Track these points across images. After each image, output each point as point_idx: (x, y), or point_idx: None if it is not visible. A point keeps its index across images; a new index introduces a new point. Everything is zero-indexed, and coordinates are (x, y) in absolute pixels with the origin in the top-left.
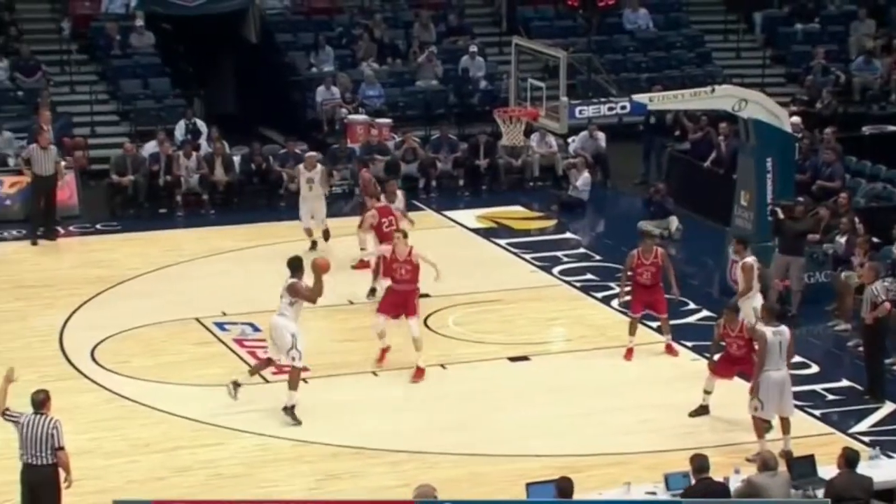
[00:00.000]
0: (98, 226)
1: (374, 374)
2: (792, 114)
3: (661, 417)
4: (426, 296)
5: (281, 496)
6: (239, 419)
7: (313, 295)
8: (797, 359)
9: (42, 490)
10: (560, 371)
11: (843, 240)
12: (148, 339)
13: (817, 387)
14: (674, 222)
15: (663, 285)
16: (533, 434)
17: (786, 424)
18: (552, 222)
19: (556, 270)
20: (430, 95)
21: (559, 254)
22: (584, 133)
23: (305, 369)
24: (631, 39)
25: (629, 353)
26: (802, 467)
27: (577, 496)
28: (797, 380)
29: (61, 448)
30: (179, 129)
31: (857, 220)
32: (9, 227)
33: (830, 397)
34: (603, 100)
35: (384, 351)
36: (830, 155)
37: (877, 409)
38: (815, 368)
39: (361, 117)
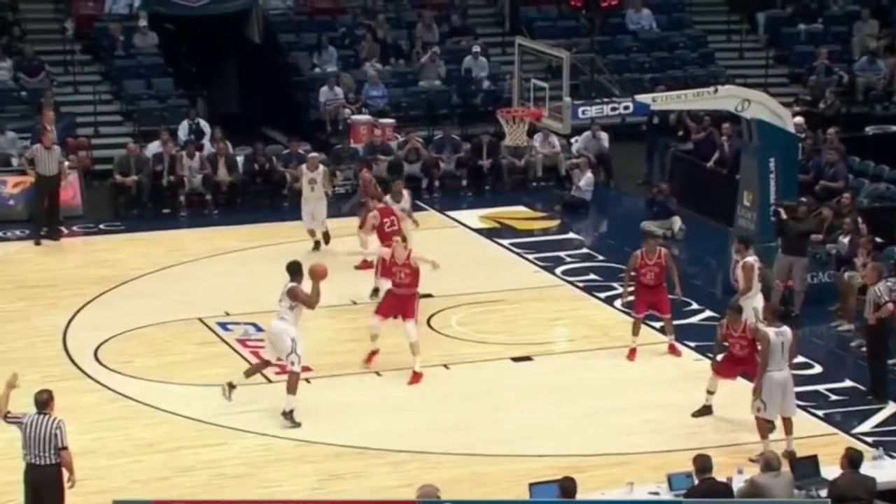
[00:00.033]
0: (101, 226)
1: (378, 374)
2: (795, 114)
3: (664, 418)
4: (429, 296)
5: (284, 496)
6: (242, 419)
7: (311, 301)
8: (800, 359)
9: (45, 490)
10: (563, 371)
11: (846, 240)
12: (151, 339)
13: (820, 387)
14: (677, 222)
15: (667, 286)
16: (536, 434)
17: (788, 425)
18: (555, 222)
19: (559, 270)
20: (434, 96)
21: (562, 254)
22: (587, 133)
23: (308, 369)
24: (634, 40)
25: (632, 354)
26: (805, 468)
27: (580, 496)
28: (800, 380)
29: (65, 448)
30: (183, 130)
31: (860, 220)
32: (12, 227)
33: (833, 398)
34: (606, 100)
35: (373, 353)
36: (833, 155)
37: (880, 409)
38: (818, 369)
39: (364, 117)
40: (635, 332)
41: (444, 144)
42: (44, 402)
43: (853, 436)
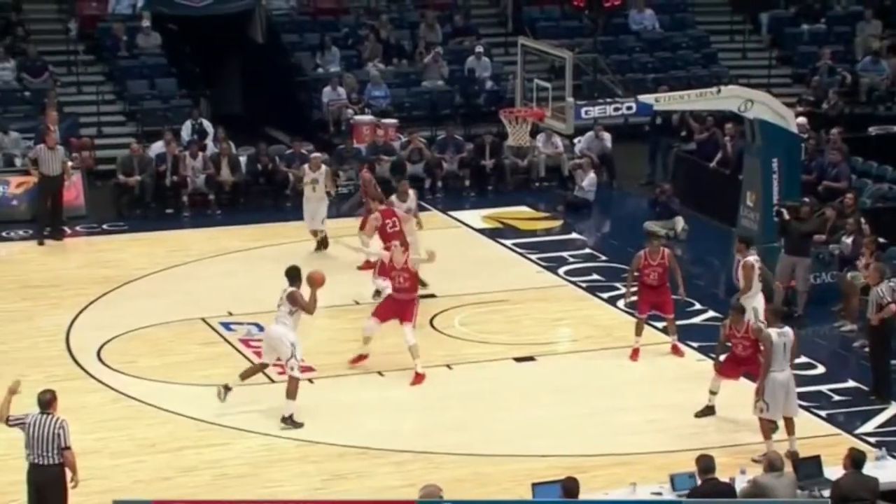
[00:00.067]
0: (104, 226)
1: (380, 374)
2: (798, 114)
3: (667, 418)
4: (432, 296)
5: (286, 496)
6: (244, 419)
7: (310, 307)
8: (803, 359)
9: (48, 490)
10: (566, 371)
11: (849, 240)
12: (154, 339)
13: (823, 387)
14: (679, 223)
15: (670, 286)
16: (538, 434)
17: (790, 425)
18: (558, 223)
19: (561, 271)
20: (436, 96)
21: (565, 254)
22: (589, 133)
23: (311, 369)
24: (637, 40)
25: (635, 354)
26: (808, 468)
27: (582, 496)
28: (803, 380)
29: (68, 448)
30: (186, 130)
31: (863, 220)
32: (15, 227)
33: (836, 398)
34: (609, 100)
35: (361, 357)
36: (836, 155)
37: (883, 409)
38: (821, 369)
39: (367, 118)
40: (638, 332)
41: (447, 144)
42: (47, 401)
43: (856, 436)
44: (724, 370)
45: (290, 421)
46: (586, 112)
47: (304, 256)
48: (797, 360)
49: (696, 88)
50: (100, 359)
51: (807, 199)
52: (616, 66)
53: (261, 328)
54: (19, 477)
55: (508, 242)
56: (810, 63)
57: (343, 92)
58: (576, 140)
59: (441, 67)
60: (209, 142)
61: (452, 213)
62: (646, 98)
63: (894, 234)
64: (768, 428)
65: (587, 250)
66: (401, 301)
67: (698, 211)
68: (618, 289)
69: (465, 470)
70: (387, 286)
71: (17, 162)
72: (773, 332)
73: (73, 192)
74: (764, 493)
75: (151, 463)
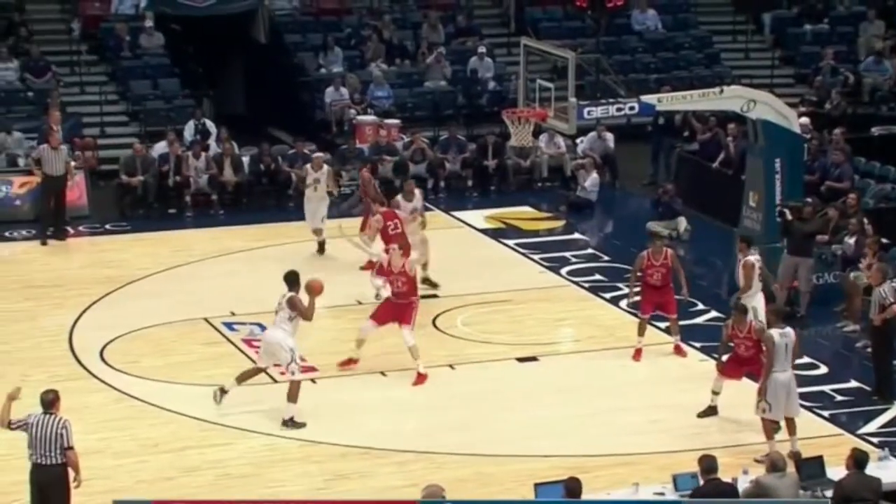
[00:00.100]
0: (107, 226)
1: (383, 374)
2: (801, 115)
3: (670, 418)
4: (434, 296)
5: (289, 496)
6: (247, 419)
7: (308, 314)
8: (806, 360)
9: (51, 490)
10: (568, 371)
11: (851, 241)
12: (157, 339)
13: (826, 388)
14: (682, 223)
15: (673, 286)
16: (541, 434)
17: (792, 425)
18: (560, 223)
19: (564, 271)
20: (439, 96)
21: (567, 254)
22: (592, 134)
23: (314, 369)
24: (639, 40)
25: (638, 354)
26: (811, 468)
27: (585, 496)
28: (806, 381)
29: (70, 448)
30: (189, 130)
31: (865, 220)
32: (18, 227)
33: (839, 398)
34: (611, 100)
35: (351, 361)
36: (839, 156)
37: (885, 409)
38: (823, 369)
39: (370, 118)
40: (641, 332)
41: (450, 145)
42: (50, 401)
43: (859, 436)
44: (726, 370)
45: (291, 423)
46: (589, 112)
47: (306, 257)
48: (799, 361)
49: (699, 89)
50: (102, 359)
51: (809, 200)
52: (619, 66)
53: (263, 328)
54: (22, 477)
55: (511, 242)
56: (813, 63)
57: (346, 92)
58: (578, 140)
59: (444, 68)
60: (212, 142)
61: (455, 214)
62: (648, 98)
63: None
64: (771, 428)
65: (589, 250)
66: (399, 304)
67: (701, 211)
68: (620, 289)
69: (468, 470)
70: (382, 285)
71: (21, 162)
72: (775, 332)
73: (76, 192)
74: (766, 494)
75: (154, 463)
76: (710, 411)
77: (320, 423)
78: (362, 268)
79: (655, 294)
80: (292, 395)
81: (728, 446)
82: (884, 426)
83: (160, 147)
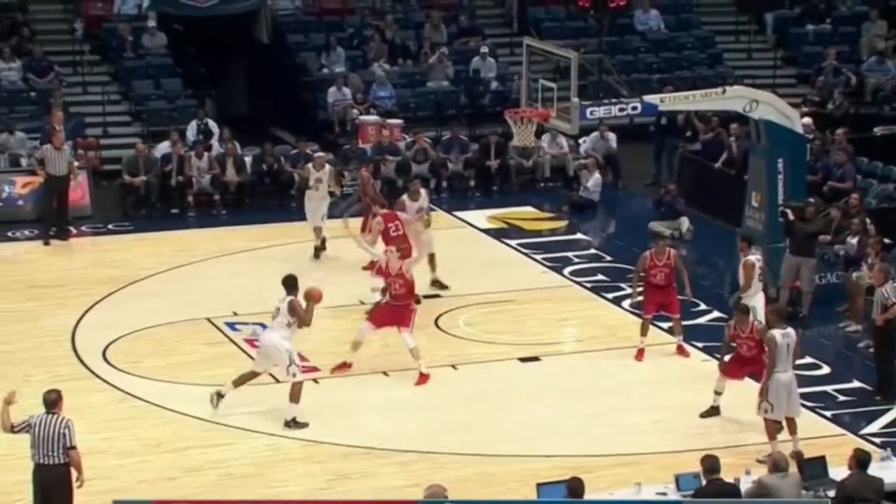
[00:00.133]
0: (110, 226)
1: (385, 374)
2: (803, 115)
3: (672, 418)
4: (437, 296)
5: (291, 496)
6: (250, 419)
7: (306, 320)
8: (808, 360)
9: (54, 490)
10: (571, 371)
11: (854, 241)
12: (160, 339)
13: (828, 388)
14: (684, 223)
15: (676, 286)
16: (543, 434)
17: (792, 425)
18: (563, 223)
19: (566, 271)
20: (441, 96)
21: (570, 254)
22: (595, 134)
23: (316, 369)
24: (642, 40)
25: (640, 354)
26: (813, 468)
27: (587, 496)
28: (808, 381)
29: (73, 447)
30: (191, 130)
31: (868, 220)
32: (21, 227)
33: (841, 398)
34: (614, 100)
35: (345, 364)
36: (842, 156)
37: (888, 410)
38: (826, 369)
39: (372, 118)
40: (643, 332)
41: (452, 145)
42: (52, 401)
43: (861, 437)
44: (728, 370)
45: (293, 423)
46: (591, 112)
47: (308, 258)
48: (802, 361)
49: (702, 89)
50: (105, 359)
51: (812, 200)
52: (621, 66)
53: (266, 328)
54: (24, 477)
55: (513, 243)
56: (815, 63)
57: (348, 92)
58: (581, 140)
59: (446, 68)
60: (214, 142)
61: (457, 214)
62: (651, 98)
63: None
64: (773, 428)
65: (592, 250)
66: (397, 307)
67: (703, 211)
68: (623, 289)
69: (470, 470)
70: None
71: (23, 162)
72: (777, 333)
73: (79, 192)
74: (769, 494)
75: (156, 463)
76: (713, 411)
77: (322, 423)
78: (365, 268)
79: (658, 294)
80: (294, 396)
81: (730, 446)
82: (886, 426)
83: (163, 147)
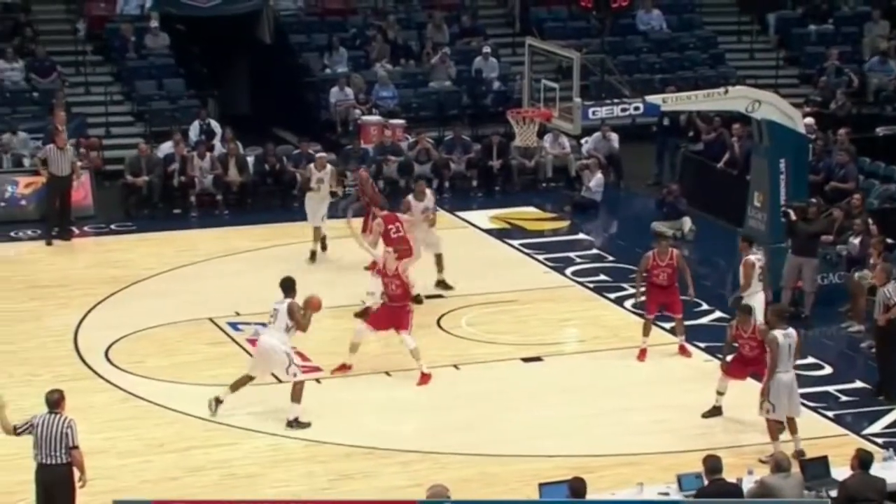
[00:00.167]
0: (113, 226)
1: (387, 374)
2: (805, 115)
3: (674, 418)
4: (439, 296)
5: (293, 496)
6: (252, 419)
7: (304, 326)
8: (810, 360)
9: (56, 489)
10: (573, 372)
11: (856, 241)
12: (162, 339)
13: (830, 388)
14: (687, 223)
15: (679, 286)
16: (545, 434)
17: (793, 425)
18: (565, 223)
19: (569, 271)
20: (444, 96)
21: (572, 254)
22: (597, 134)
23: (318, 369)
24: (644, 40)
25: (642, 354)
26: (816, 469)
27: (589, 496)
28: (811, 381)
29: (76, 447)
30: (194, 130)
31: (870, 221)
32: (24, 227)
33: (844, 398)
34: (616, 101)
35: (344, 367)
36: (844, 156)
37: (890, 410)
38: (828, 370)
39: (375, 118)
40: (646, 332)
41: (455, 145)
42: (55, 401)
43: (863, 437)
44: (731, 371)
45: (295, 423)
46: (594, 112)
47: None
48: (804, 361)
49: (704, 89)
50: (108, 359)
51: (814, 200)
52: (623, 66)
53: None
54: (27, 476)
55: (516, 243)
56: (818, 63)
57: (350, 92)
58: (583, 140)
59: (448, 68)
60: (217, 142)
61: (460, 214)
62: (653, 98)
63: None
64: (776, 429)
65: (594, 251)
66: (394, 308)
67: (706, 211)
68: (625, 289)
69: (472, 470)
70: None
71: (26, 162)
72: (778, 333)
73: (82, 192)
74: (771, 494)
75: (159, 463)
76: (715, 411)
77: (325, 423)
78: (367, 268)
79: (661, 294)
80: (296, 396)
81: (732, 446)
82: (888, 426)
83: (166, 147)
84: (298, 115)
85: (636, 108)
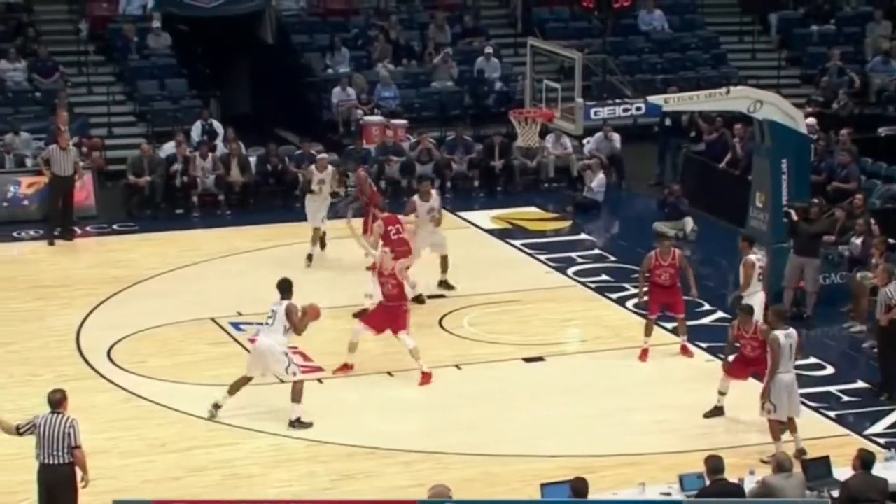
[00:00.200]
0: (115, 226)
1: (389, 374)
2: (807, 115)
3: (676, 418)
4: (441, 296)
5: (295, 496)
6: (254, 420)
7: (300, 330)
8: (812, 360)
9: (59, 489)
10: (575, 372)
11: (858, 241)
12: (164, 339)
13: (832, 388)
14: (689, 223)
15: (682, 286)
16: (547, 434)
17: (792, 424)
18: (567, 223)
19: (570, 271)
20: (446, 96)
21: (574, 255)
22: (599, 134)
23: (320, 369)
24: (646, 41)
25: (644, 354)
26: (817, 469)
27: (591, 497)
28: (812, 381)
29: (78, 447)
30: (196, 130)
31: (872, 221)
32: (26, 227)
33: (845, 399)
34: (618, 101)
35: (346, 367)
36: (846, 156)
37: (892, 410)
38: (830, 370)
39: (377, 118)
40: (647, 332)
41: (457, 145)
42: (57, 401)
43: (865, 437)
44: (732, 371)
45: (297, 423)
46: (595, 113)
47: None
48: (806, 361)
49: (706, 89)
50: (110, 359)
51: (816, 200)
52: (625, 66)
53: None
54: (29, 476)
55: (517, 243)
56: (820, 64)
57: (352, 93)
58: (585, 141)
59: (450, 68)
60: (219, 142)
61: (461, 214)
62: (655, 99)
63: None
64: (777, 429)
65: (596, 251)
66: (390, 308)
67: (707, 212)
68: (627, 289)
69: (474, 470)
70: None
71: (28, 162)
72: (780, 334)
73: (84, 192)
74: (773, 494)
75: (161, 463)
76: (717, 411)
77: (326, 423)
78: (368, 268)
79: (663, 294)
80: (296, 396)
81: (734, 447)
82: (890, 427)
83: (168, 147)
84: (300, 115)
85: (638, 109)
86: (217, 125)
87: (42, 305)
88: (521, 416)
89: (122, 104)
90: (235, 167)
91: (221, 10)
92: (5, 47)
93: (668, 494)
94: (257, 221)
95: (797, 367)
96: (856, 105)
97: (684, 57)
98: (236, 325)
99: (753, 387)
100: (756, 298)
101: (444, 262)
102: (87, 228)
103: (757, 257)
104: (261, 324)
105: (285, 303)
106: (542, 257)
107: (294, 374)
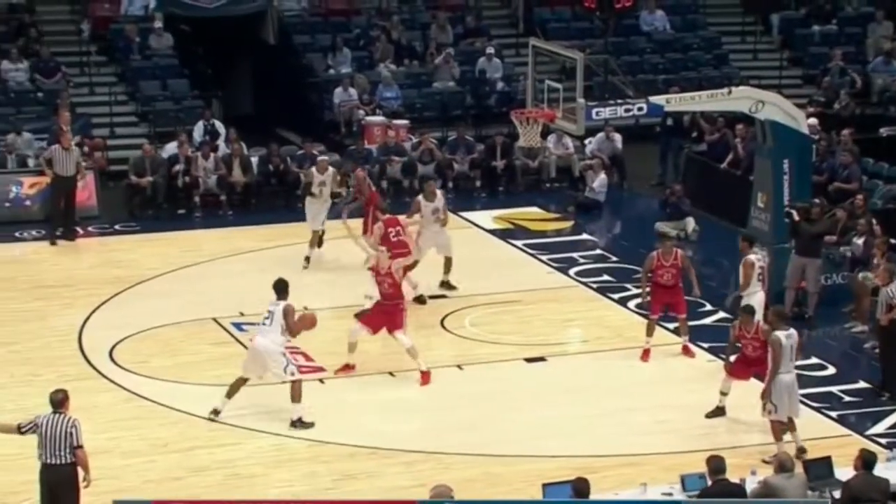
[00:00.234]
0: (117, 226)
1: (391, 374)
2: (809, 115)
3: (678, 418)
4: (442, 297)
5: (297, 496)
6: (255, 419)
7: (294, 332)
8: (814, 360)
9: (61, 489)
10: (576, 372)
11: (860, 241)
12: (166, 339)
13: (834, 388)
14: (690, 223)
15: (684, 286)
16: (549, 435)
17: (791, 423)
18: (569, 223)
19: (572, 272)
20: (447, 97)
21: (576, 255)
22: (600, 134)
23: (322, 369)
24: (648, 41)
25: (646, 354)
26: (819, 469)
27: (593, 497)
28: (814, 381)
29: (80, 447)
30: (198, 131)
31: (874, 221)
32: (28, 228)
33: (847, 399)
34: (620, 101)
35: (348, 367)
36: (847, 157)
37: (894, 410)
38: (831, 370)
39: (378, 119)
40: (649, 332)
41: (458, 145)
42: (59, 401)
43: (867, 437)
44: (734, 371)
45: (299, 423)
46: (597, 113)
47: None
48: (807, 362)
49: (707, 89)
50: (112, 359)
51: (817, 200)
52: (627, 67)
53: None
54: (31, 476)
55: (519, 243)
56: (821, 64)
57: (354, 93)
58: (586, 141)
59: (452, 68)
60: (221, 142)
61: (463, 214)
62: (657, 99)
63: None
64: (779, 429)
65: (598, 251)
66: (386, 307)
67: (709, 212)
68: (628, 289)
69: (476, 470)
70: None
71: (30, 162)
72: (781, 334)
73: (86, 192)
74: (774, 494)
75: (163, 463)
76: (718, 412)
77: (328, 423)
78: (369, 268)
79: (665, 294)
80: (295, 396)
81: (736, 447)
82: (892, 427)
83: (170, 148)
84: (302, 115)
85: (640, 109)
86: (219, 125)
87: (44, 305)
88: (522, 416)
89: (124, 104)
90: (237, 167)
91: (223, 10)
92: (7, 48)
93: (670, 495)
94: (259, 222)
95: (798, 368)
96: (857, 105)
97: (686, 57)
98: (238, 326)
99: (755, 387)
100: (755, 298)
101: (448, 263)
102: (90, 228)
103: (757, 257)
104: (259, 324)
105: (282, 303)
106: (544, 257)
107: (292, 373)
